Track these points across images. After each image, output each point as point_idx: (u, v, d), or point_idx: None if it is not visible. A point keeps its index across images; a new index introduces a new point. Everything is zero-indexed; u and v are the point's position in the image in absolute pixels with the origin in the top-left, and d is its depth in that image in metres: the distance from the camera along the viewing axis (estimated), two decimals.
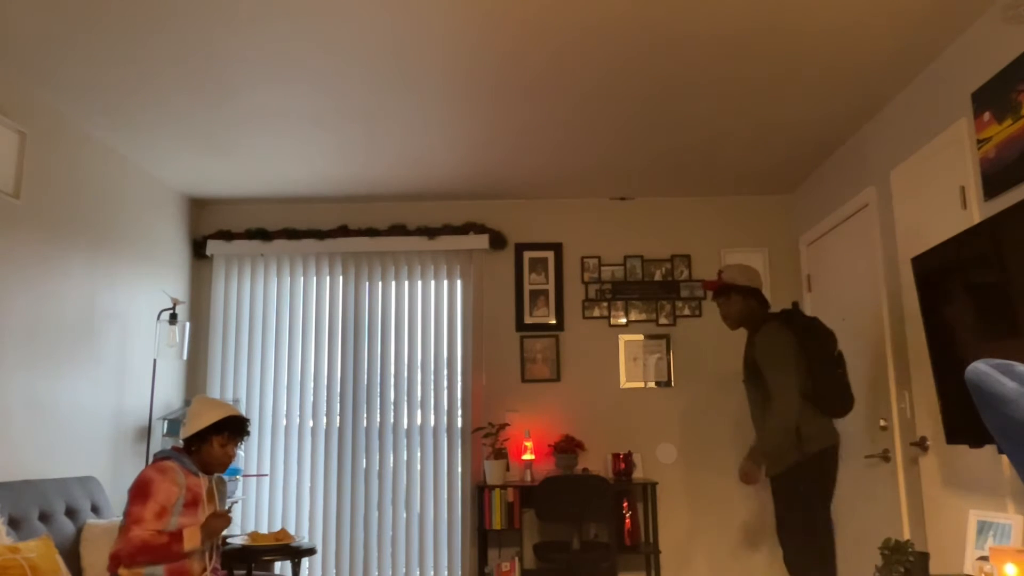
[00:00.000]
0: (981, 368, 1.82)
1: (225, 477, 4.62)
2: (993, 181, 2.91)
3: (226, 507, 3.43)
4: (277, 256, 5.32)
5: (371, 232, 5.25)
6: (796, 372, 3.44)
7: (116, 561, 2.94)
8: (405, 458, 5.07)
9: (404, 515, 5.02)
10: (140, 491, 2.96)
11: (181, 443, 3.22)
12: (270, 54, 3.29)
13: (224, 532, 3.86)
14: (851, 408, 3.57)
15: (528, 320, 5.22)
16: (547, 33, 3.15)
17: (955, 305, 2.82)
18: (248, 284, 5.29)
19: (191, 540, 2.94)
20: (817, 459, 3.44)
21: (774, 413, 3.41)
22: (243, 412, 5.12)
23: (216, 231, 5.30)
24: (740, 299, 3.71)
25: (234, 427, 3.18)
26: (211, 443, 3.15)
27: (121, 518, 3.06)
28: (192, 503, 3.05)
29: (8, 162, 3.45)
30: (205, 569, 3.08)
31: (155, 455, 3.18)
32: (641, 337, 5.19)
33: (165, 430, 4.74)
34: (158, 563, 2.92)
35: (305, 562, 4.97)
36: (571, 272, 5.29)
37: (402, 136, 4.21)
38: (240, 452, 5.03)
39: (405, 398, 5.15)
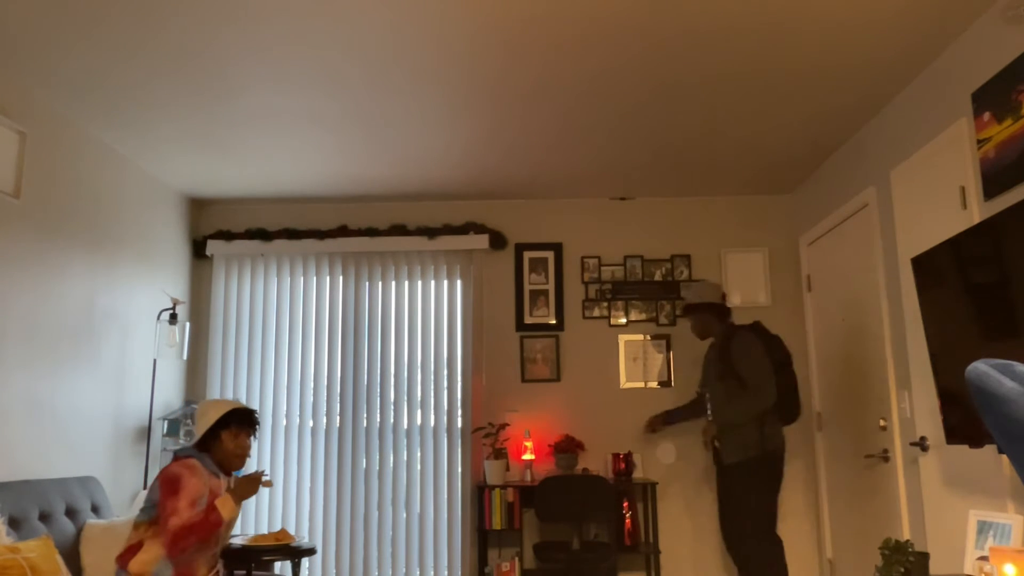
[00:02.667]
0: (981, 368, 1.82)
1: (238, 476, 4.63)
2: (993, 181, 2.91)
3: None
4: (277, 256, 5.32)
5: (371, 232, 5.25)
6: (772, 371, 3.97)
7: (127, 557, 2.96)
8: (405, 458, 5.07)
9: (404, 515, 5.02)
10: (172, 485, 2.99)
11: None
12: (270, 54, 3.29)
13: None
14: (799, 416, 4.16)
15: (528, 320, 5.22)
16: (546, 32, 3.15)
17: (955, 305, 2.82)
18: (248, 284, 5.29)
19: (225, 508, 2.98)
20: (773, 456, 3.96)
21: (752, 394, 3.91)
22: None
23: (216, 231, 5.31)
24: (697, 316, 4.31)
25: (240, 419, 3.21)
26: (221, 439, 3.18)
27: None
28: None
29: (8, 162, 3.45)
30: (213, 568, 3.09)
31: (176, 452, 3.19)
32: (641, 337, 5.19)
33: (165, 430, 4.74)
34: (201, 541, 2.94)
35: (305, 562, 4.97)
36: (571, 272, 5.29)
37: (402, 136, 4.21)
38: None
39: (405, 398, 5.15)
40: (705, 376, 4.37)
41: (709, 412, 4.20)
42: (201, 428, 3.17)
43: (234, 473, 3.33)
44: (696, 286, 4.32)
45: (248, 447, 3.23)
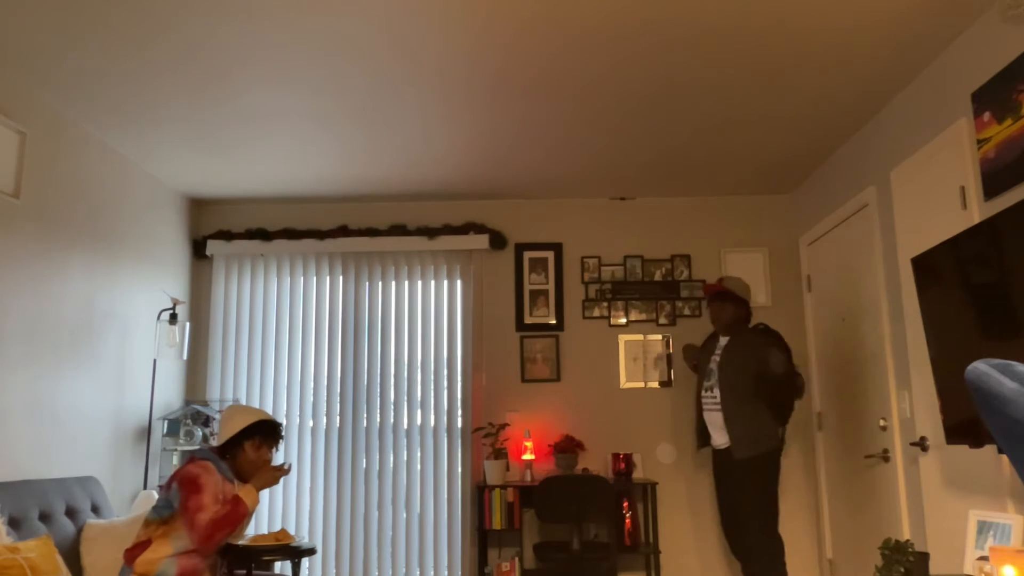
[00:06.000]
0: (981, 368, 1.82)
1: None
2: (993, 181, 2.91)
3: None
4: (277, 256, 5.32)
5: (371, 232, 5.25)
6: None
7: (134, 554, 2.97)
8: (405, 458, 5.08)
9: (404, 515, 5.02)
10: (193, 484, 3.00)
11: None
12: (270, 54, 3.29)
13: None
14: (789, 419, 4.26)
15: (528, 320, 5.22)
16: (547, 33, 3.15)
17: (955, 305, 2.82)
18: (248, 284, 5.29)
19: (249, 497, 3.01)
20: (778, 452, 4.05)
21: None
22: None
23: (216, 231, 5.31)
24: (733, 307, 4.26)
25: (265, 431, 3.23)
26: (243, 448, 3.19)
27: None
28: None
29: (8, 162, 3.45)
30: (215, 569, 3.09)
31: (192, 453, 3.18)
32: (641, 337, 5.19)
33: (165, 430, 4.74)
34: (231, 531, 2.97)
35: (305, 562, 4.97)
36: (571, 272, 5.29)
37: (402, 136, 4.21)
38: None
39: (405, 398, 5.15)
40: (708, 370, 4.27)
41: (717, 398, 4.18)
42: (225, 434, 3.17)
43: None
44: (737, 279, 4.30)
45: (270, 460, 3.25)
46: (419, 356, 5.20)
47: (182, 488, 3.00)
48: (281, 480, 5.04)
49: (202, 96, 3.69)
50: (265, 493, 5.04)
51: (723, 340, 4.28)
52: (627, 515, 4.68)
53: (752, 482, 4.00)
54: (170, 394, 4.95)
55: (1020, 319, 2.46)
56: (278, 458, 5.07)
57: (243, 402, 5.14)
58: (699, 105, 3.85)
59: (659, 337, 5.17)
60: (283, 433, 3.33)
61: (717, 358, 4.25)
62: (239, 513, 2.96)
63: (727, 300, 4.25)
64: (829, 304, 4.67)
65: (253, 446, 3.19)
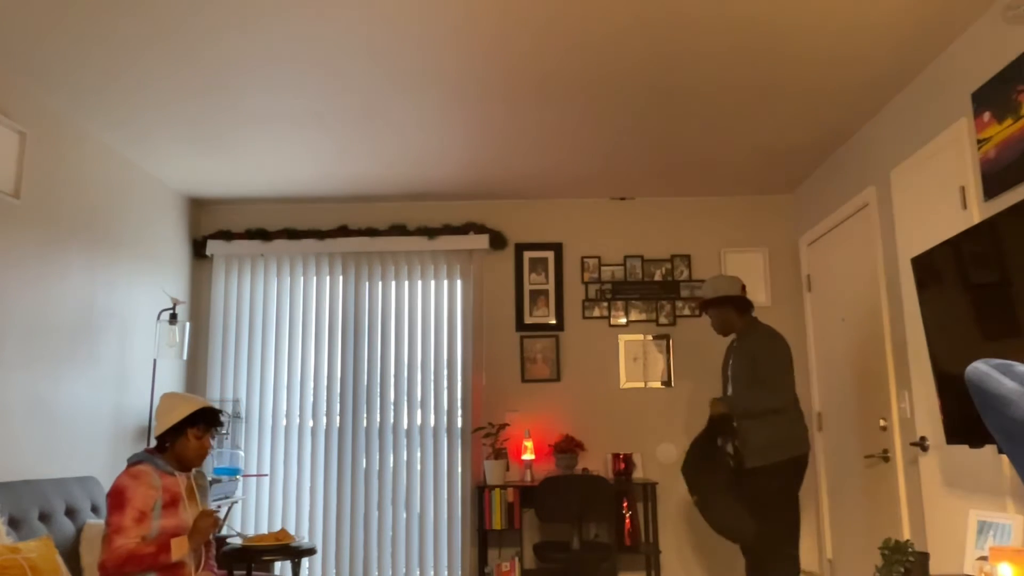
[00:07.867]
0: (981, 368, 1.82)
1: (224, 477, 4.62)
2: (993, 181, 2.91)
3: (209, 503, 3.40)
4: (277, 256, 5.32)
5: (371, 232, 5.25)
6: (790, 369, 3.79)
7: (104, 571, 2.91)
8: (405, 458, 5.07)
9: (404, 515, 5.02)
10: (116, 499, 2.91)
11: (153, 443, 3.18)
12: (270, 55, 3.29)
13: (224, 531, 3.86)
14: None
15: (528, 320, 5.22)
16: (548, 35, 3.15)
17: (955, 305, 2.82)
18: (248, 284, 5.29)
19: (179, 550, 2.89)
20: (798, 462, 3.68)
21: (769, 390, 3.71)
22: (243, 412, 5.12)
23: (216, 231, 5.31)
24: (716, 311, 4.01)
25: (208, 418, 3.15)
26: (186, 436, 3.10)
27: (104, 526, 3.01)
28: (171, 503, 3.01)
29: (8, 162, 3.45)
30: (200, 566, 3.05)
31: (128, 461, 3.13)
32: (641, 337, 5.19)
33: None
34: (146, 573, 2.87)
35: (305, 562, 4.97)
36: (571, 272, 5.29)
37: (402, 136, 4.21)
38: (240, 452, 5.03)
39: (405, 398, 5.15)
40: (725, 376, 4.10)
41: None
42: (165, 423, 3.08)
43: (196, 471, 3.27)
44: (712, 280, 4.00)
45: (210, 447, 3.17)
46: (419, 356, 5.20)
47: (107, 502, 2.93)
48: (276, 482, 5.04)
49: (202, 96, 3.68)
50: (265, 493, 5.04)
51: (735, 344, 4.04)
52: (627, 515, 4.68)
53: (761, 495, 3.66)
54: None
55: (1020, 319, 2.46)
56: (277, 452, 5.07)
57: (243, 402, 5.14)
58: (699, 105, 3.85)
59: (650, 338, 5.18)
60: (223, 419, 3.25)
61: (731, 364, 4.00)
62: (159, 561, 2.85)
63: (715, 307, 3.98)
64: (829, 304, 4.67)
65: (196, 434, 3.11)
